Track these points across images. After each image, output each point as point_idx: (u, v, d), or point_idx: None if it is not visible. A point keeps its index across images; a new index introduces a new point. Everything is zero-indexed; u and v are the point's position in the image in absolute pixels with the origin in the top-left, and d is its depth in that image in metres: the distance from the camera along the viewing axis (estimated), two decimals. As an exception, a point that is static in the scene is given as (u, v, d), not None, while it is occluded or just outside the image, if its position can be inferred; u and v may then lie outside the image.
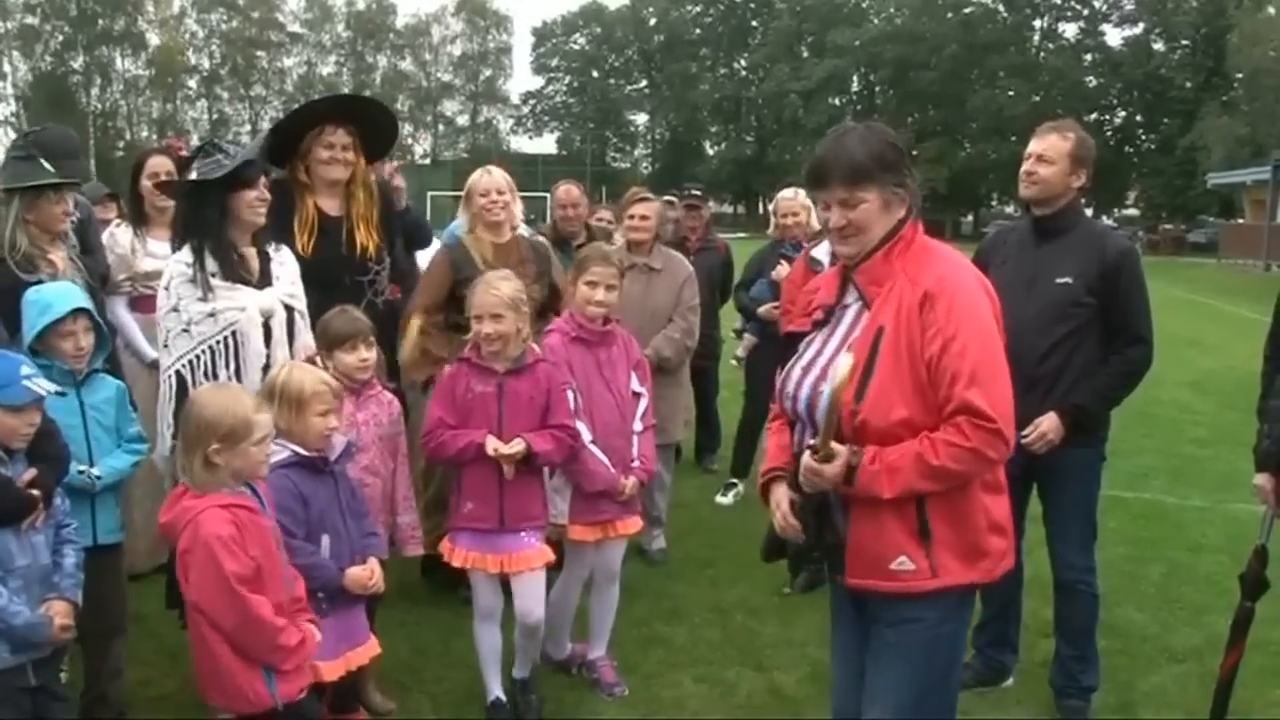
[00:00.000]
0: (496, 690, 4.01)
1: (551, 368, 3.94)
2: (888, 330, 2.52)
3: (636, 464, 4.17)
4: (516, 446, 3.74)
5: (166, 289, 3.70)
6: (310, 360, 3.70)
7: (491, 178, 4.78)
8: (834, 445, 2.50)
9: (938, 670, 2.66)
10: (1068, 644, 4.05)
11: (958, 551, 2.56)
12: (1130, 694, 4.24)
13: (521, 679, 4.05)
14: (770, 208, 6.95)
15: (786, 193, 6.66)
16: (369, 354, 3.76)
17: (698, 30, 75.60)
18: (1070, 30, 64.16)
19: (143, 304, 4.88)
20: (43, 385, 2.90)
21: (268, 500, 3.08)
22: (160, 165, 5.10)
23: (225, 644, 2.87)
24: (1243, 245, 36.67)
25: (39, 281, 3.64)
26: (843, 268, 2.72)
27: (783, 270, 6.07)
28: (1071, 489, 3.96)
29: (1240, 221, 42.34)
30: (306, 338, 3.85)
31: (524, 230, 5.14)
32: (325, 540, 3.38)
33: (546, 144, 79.78)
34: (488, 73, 78.37)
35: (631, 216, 5.53)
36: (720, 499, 6.83)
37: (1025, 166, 3.93)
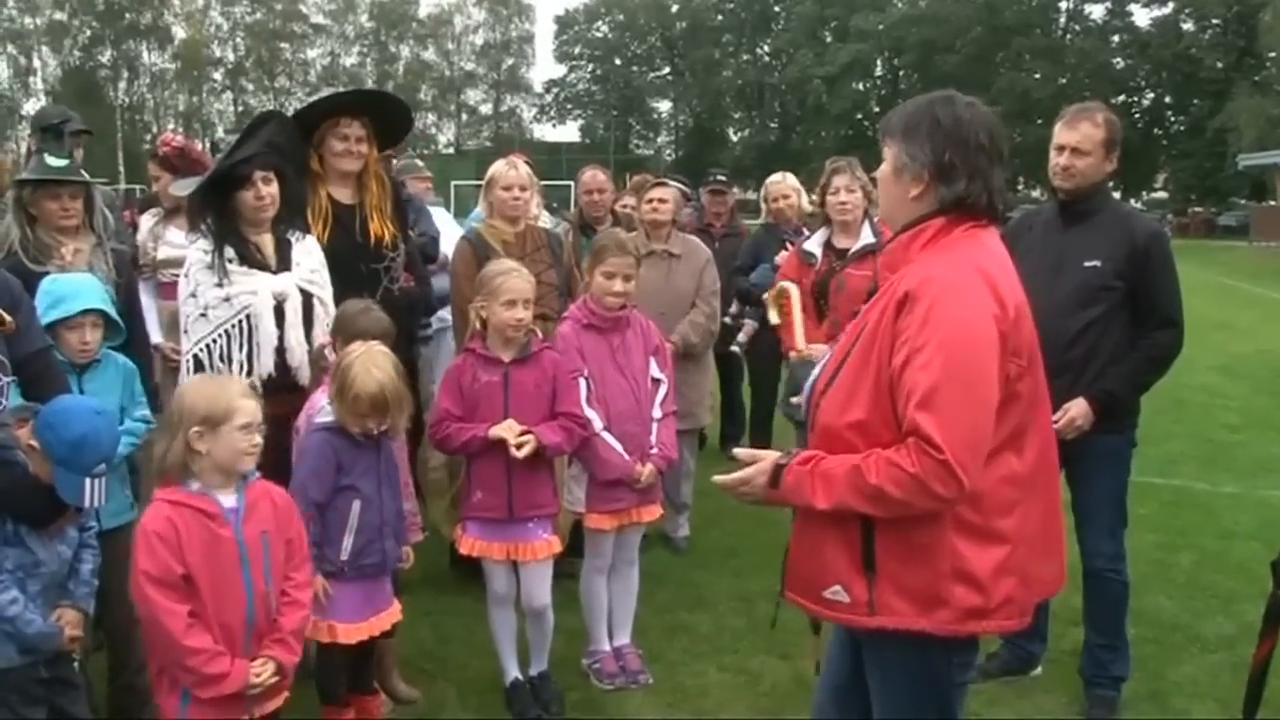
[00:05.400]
0: (514, 672, 4.05)
1: (557, 355, 3.94)
2: (868, 327, 2.32)
3: (655, 451, 4.15)
4: (527, 447, 3.73)
5: (186, 276, 3.75)
6: (320, 353, 3.72)
7: (517, 173, 4.79)
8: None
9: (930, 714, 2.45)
10: (1097, 633, 4.01)
11: (907, 593, 2.28)
12: (1161, 683, 4.20)
13: (541, 672, 4.07)
14: (760, 194, 6.96)
15: (775, 177, 6.85)
16: None
17: (720, 16, 75.21)
18: (1097, 11, 63.36)
19: (160, 290, 4.97)
20: (98, 496, 2.78)
21: (256, 503, 2.91)
22: (151, 170, 5.28)
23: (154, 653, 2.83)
24: (1275, 227, 36.18)
25: (46, 273, 3.65)
26: None
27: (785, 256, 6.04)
28: (1101, 475, 3.91)
29: (1272, 203, 41.79)
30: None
31: (545, 220, 5.14)
32: (356, 505, 3.40)
33: (570, 132, 79.77)
34: (510, 61, 78.35)
35: (650, 200, 5.52)
36: (717, 479, 6.77)
37: (1059, 160, 3.85)
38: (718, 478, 2.52)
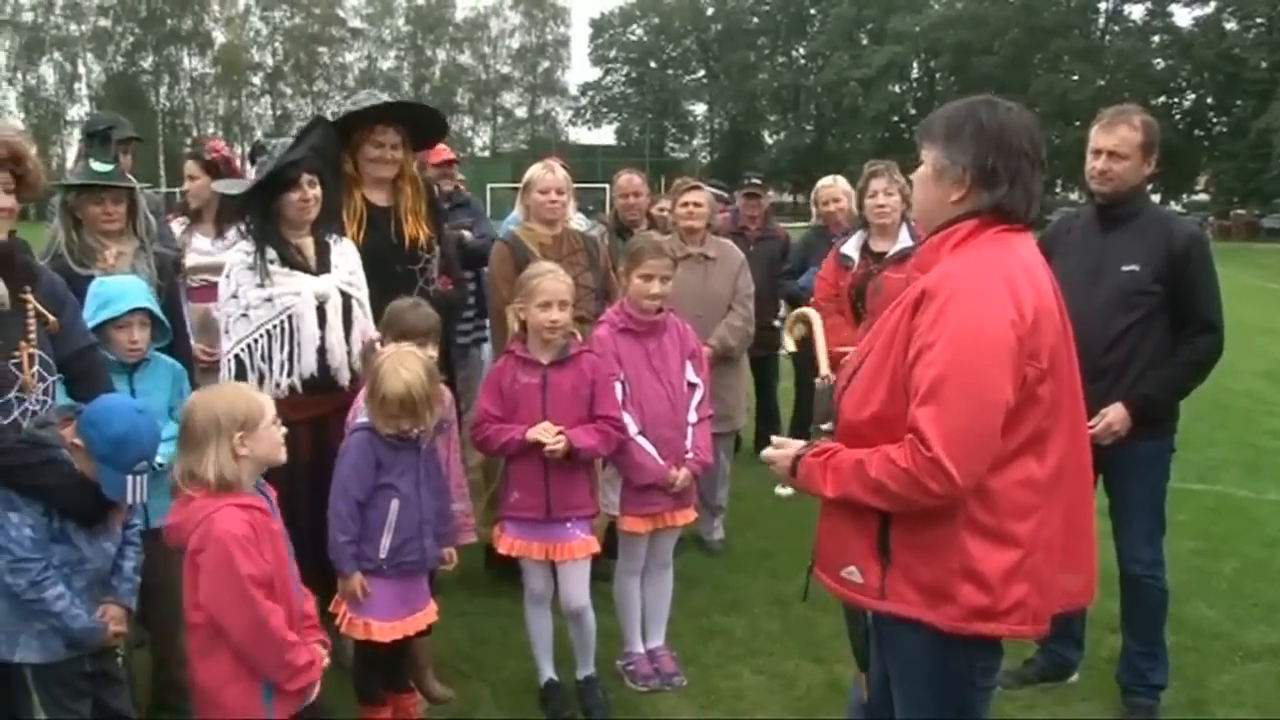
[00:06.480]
0: (549, 672, 4.07)
1: (596, 358, 3.95)
2: (888, 325, 2.38)
3: (690, 455, 4.16)
4: (558, 445, 3.75)
5: (228, 277, 3.81)
6: (371, 348, 3.77)
7: (554, 176, 4.84)
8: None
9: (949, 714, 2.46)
10: (1135, 640, 3.98)
11: (918, 584, 2.33)
12: (1202, 692, 4.15)
13: (587, 676, 4.08)
14: (811, 197, 6.97)
15: (825, 180, 6.86)
16: (434, 353, 3.76)
17: (755, 19, 75.19)
18: (1137, 11, 62.60)
19: (189, 294, 5.04)
20: (139, 492, 2.86)
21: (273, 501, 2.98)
22: (189, 169, 5.33)
23: (228, 656, 2.74)
24: (1320, 230, 35.58)
25: (90, 276, 3.73)
26: None
27: None
28: (1138, 481, 3.88)
29: (1317, 206, 41.11)
30: (366, 326, 3.90)
31: (578, 221, 5.18)
32: (394, 504, 3.43)
33: (605, 135, 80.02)
34: (546, 65, 78.80)
35: (685, 205, 5.53)
36: (780, 490, 6.71)
37: (1096, 164, 3.82)
38: (767, 451, 2.61)
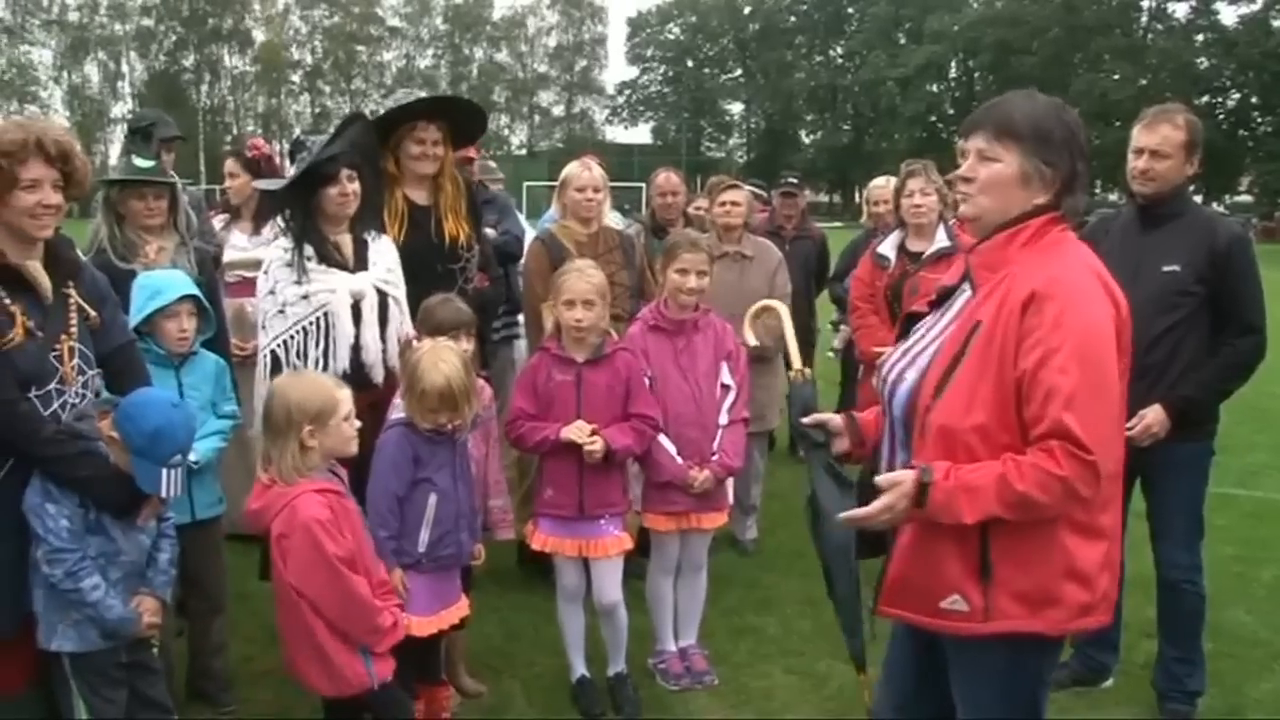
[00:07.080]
0: (581, 668, 4.08)
1: (630, 356, 3.95)
2: (984, 327, 2.27)
3: (716, 457, 4.13)
4: (595, 446, 3.76)
5: (266, 273, 3.84)
6: (408, 345, 3.79)
7: (591, 174, 4.84)
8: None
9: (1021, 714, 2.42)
10: (1172, 645, 3.93)
11: (1020, 595, 2.27)
12: (1239, 699, 4.09)
13: (618, 673, 4.09)
14: (864, 196, 6.96)
15: (878, 181, 6.81)
16: (469, 346, 3.77)
17: (793, 18, 74.97)
18: (1180, 10, 61.72)
19: (226, 290, 5.09)
20: (174, 486, 2.91)
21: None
22: (229, 167, 5.40)
23: (326, 628, 2.99)
24: (1367, 233, 34.96)
25: (132, 271, 3.79)
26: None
27: None
28: (1177, 484, 3.84)
29: (1364, 208, 40.38)
30: (403, 324, 3.93)
31: (614, 219, 5.19)
32: (432, 498, 3.45)
33: (641, 134, 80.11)
34: (583, 63, 79.02)
35: (723, 204, 5.52)
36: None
37: (1139, 164, 3.77)
38: (849, 514, 2.36)
